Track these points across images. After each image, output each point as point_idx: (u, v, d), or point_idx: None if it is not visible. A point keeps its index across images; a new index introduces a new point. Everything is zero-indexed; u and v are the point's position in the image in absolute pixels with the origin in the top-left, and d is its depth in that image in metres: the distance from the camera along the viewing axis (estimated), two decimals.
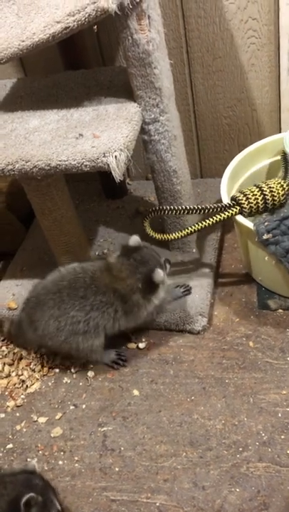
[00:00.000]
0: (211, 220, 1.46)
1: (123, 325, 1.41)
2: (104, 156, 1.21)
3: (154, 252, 1.43)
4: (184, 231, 1.51)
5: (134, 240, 1.40)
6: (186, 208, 1.49)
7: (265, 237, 1.35)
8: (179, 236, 1.51)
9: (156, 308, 1.44)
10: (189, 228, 1.50)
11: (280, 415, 1.27)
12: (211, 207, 1.46)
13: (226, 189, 1.53)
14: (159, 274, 1.34)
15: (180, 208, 1.50)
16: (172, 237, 1.53)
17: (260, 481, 1.17)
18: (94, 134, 1.27)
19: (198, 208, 1.48)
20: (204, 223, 1.47)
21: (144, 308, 1.39)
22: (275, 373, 1.35)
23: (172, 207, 1.51)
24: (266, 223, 1.36)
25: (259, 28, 1.58)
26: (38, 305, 1.40)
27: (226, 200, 1.49)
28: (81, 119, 1.35)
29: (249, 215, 1.45)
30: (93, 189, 2.01)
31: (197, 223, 1.48)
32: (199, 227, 1.48)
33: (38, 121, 1.38)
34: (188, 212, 1.50)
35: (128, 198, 1.97)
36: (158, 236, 1.54)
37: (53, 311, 1.37)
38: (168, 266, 1.46)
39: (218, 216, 1.45)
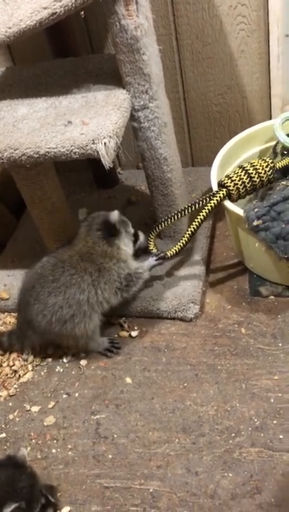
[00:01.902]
0: (203, 213, 1.44)
1: (106, 292, 1.39)
2: (93, 143, 1.21)
3: (101, 214, 1.46)
4: (181, 241, 1.48)
5: (81, 212, 1.47)
6: (179, 211, 1.48)
7: (255, 223, 1.35)
8: (180, 247, 1.48)
9: (132, 272, 1.44)
10: (186, 235, 1.47)
11: (272, 400, 1.28)
12: (201, 199, 1.45)
13: (217, 177, 1.52)
14: (114, 213, 1.39)
15: (175, 214, 1.48)
16: (175, 251, 1.49)
17: (252, 466, 1.18)
18: (83, 121, 1.27)
19: (190, 205, 1.47)
20: (197, 220, 1.45)
21: (116, 259, 1.40)
22: (266, 359, 1.36)
23: (168, 216, 1.50)
24: (256, 209, 1.36)
25: (248, 13, 1.58)
26: (26, 306, 1.40)
27: (216, 187, 1.49)
28: (70, 106, 1.34)
29: (239, 197, 1.44)
30: (84, 179, 2.00)
31: (191, 225, 1.46)
32: (195, 226, 1.46)
33: (27, 109, 1.37)
34: (182, 215, 1.48)
35: (119, 188, 1.96)
36: (168, 252, 1.50)
37: (37, 307, 1.37)
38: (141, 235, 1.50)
39: (208, 205, 1.44)
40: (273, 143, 1.62)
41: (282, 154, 1.57)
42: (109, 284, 1.40)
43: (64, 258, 1.39)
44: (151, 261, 1.50)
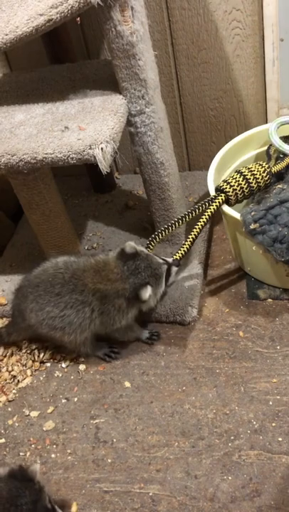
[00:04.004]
0: (203, 219, 1.43)
1: (97, 327, 1.38)
2: (90, 148, 1.21)
3: (153, 260, 1.38)
4: (183, 248, 1.45)
5: (130, 246, 1.35)
6: (178, 219, 1.46)
7: (252, 226, 1.36)
8: (181, 255, 1.45)
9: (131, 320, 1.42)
10: (187, 242, 1.45)
11: (270, 403, 1.28)
12: (199, 206, 1.45)
13: (213, 181, 1.53)
14: (146, 292, 1.33)
15: (173, 222, 1.47)
16: (177, 258, 1.45)
17: (252, 469, 1.18)
18: (80, 127, 1.27)
19: (188, 213, 1.46)
20: (198, 227, 1.43)
21: (124, 314, 1.37)
22: (265, 362, 1.36)
23: (166, 226, 1.47)
24: (253, 213, 1.37)
25: (243, 18, 1.59)
26: (22, 296, 1.41)
27: (212, 191, 1.49)
28: (67, 112, 1.35)
29: (236, 201, 1.45)
30: (82, 184, 2.01)
31: (191, 232, 1.44)
32: (196, 233, 1.44)
33: (24, 115, 1.38)
34: (181, 223, 1.47)
35: (117, 192, 1.97)
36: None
37: (33, 305, 1.37)
38: (173, 269, 1.43)
39: (208, 211, 1.43)
40: None
41: (277, 158, 1.58)
42: (104, 325, 1.39)
43: (80, 279, 1.35)
44: (145, 334, 1.48)
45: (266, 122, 1.76)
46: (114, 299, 1.34)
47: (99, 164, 1.22)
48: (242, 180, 1.43)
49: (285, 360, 1.35)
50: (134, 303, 1.36)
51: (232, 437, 1.24)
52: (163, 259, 1.42)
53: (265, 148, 1.65)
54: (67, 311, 1.34)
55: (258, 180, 1.44)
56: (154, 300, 1.40)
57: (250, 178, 1.43)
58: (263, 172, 1.44)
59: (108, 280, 1.34)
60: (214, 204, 1.43)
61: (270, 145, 1.61)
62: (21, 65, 1.78)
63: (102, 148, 1.21)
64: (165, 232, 1.49)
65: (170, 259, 1.43)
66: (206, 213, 1.44)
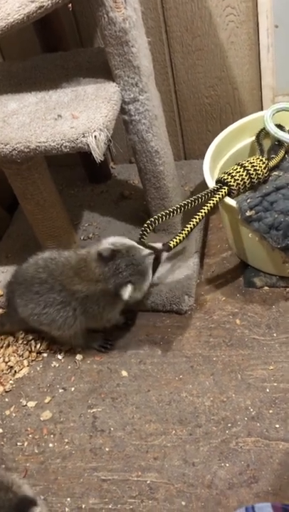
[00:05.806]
0: (204, 210, 1.40)
1: (84, 323, 1.38)
2: (83, 137, 1.20)
3: (135, 255, 1.32)
4: (179, 236, 1.41)
5: (106, 250, 1.30)
6: (177, 207, 1.43)
7: (248, 214, 1.35)
8: (176, 243, 1.40)
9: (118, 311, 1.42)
10: (184, 231, 1.41)
11: (267, 390, 1.28)
12: (199, 197, 1.43)
13: (209, 169, 1.52)
14: (126, 291, 1.29)
15: (172, 210, 1.43)
16: (173, 244, 1.40)
17: (249, 456, 1.18)
18: (73, 115, 1.26)
19: (188, 202, 1.43)
20: (198, 217, 1.40)
21: (110, 310, 1.37)
22: (262, 349, 1.36)
23: (164, 212, 1.44)
24: (249, 200, 1.36)
25: (237, 5, 1.57)
26: (12, 291, 1.42)
27: (208, 179, 1.48)
28: (60, 100, 1.34)
29: (237, 194, 1.44)
30: (77, 174, 2.00)
31: (190, 221, 1.41)
32: (195, 223, 1.41)
33: (17, 104, 1.37)
34: (180, 211, 1.45)
35: (112, 182, 1.96)
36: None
37: (19, 301, 1.38)
38: (163, 255, 1.40)
39: (210, 202, 1.41)
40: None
41: (271, 147, 1.57)
42: (91, 320, 1.38)
43: (58, 278, 1.33)
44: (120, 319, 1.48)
45: (261, 109, 1.75)
46: (99, 298, 1.33)
47: (92, 152, 1.21)
48: (245, 175, 1.42)
49: (281, 348, 1.35)
50: (118, 300, 1.34)
51: (229, 424, 1.24)
52: (151, 247, 1.38)
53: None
54: (48, 309, 1.34)
55: (258, 174, 1.44)
56: (140, 294, 1.38)
57: (252, 173, 1.43)
58: (264, 168, 1.44)
59: (89, 281, 1.32)
60: (217, 196, 1.41)
61: (261, 130, 1.60)
62: (14, 54, 1.76)
63: (95, 136, 1.20)
64: (161, 219, 1.46)
65: (159, 245, 1.39)
66: (208, 205, 1.41)
